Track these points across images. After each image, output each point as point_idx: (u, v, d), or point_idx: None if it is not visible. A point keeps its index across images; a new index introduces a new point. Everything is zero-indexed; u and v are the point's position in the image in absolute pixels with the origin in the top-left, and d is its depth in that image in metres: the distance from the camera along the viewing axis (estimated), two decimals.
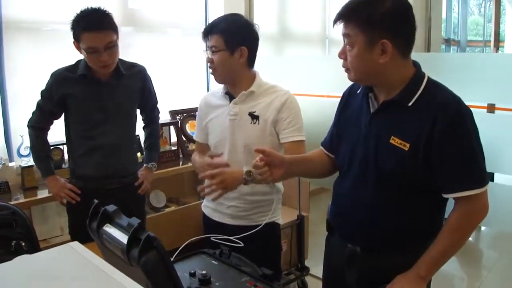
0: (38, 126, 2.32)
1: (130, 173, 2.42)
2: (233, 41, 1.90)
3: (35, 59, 2.96)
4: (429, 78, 1.46)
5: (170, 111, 3.66)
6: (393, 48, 1.37)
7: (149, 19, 3.65)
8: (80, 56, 2.21)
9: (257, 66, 2.04)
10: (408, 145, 1.40)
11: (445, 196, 1.44)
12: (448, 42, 8.17)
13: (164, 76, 3.42)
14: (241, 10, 3.49)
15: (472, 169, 1.40)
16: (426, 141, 1.37)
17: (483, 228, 4.53)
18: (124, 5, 3.47)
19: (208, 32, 1.92)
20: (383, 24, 1.36)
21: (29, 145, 2.83)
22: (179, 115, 3.71)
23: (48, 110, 2.28)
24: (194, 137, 2.22)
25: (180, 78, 3.67)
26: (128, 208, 2.19)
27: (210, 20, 2.31)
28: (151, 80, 2.47)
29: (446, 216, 1.52)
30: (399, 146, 1.42)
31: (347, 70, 1.48)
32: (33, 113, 2.32)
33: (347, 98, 1.67)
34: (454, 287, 3.61)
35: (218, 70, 1.94)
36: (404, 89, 1.43)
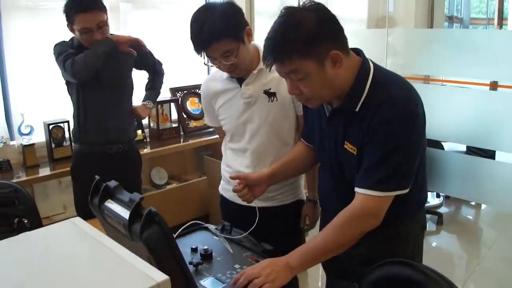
0: (72, 58, 2.30)
1: (128, 139, 2.60)
2: (239, 32, 1.70)
3: (34, 38, 2.94)
4: (375, 72, 1.39)
5: (171, 88, 3.65)
6: (341, 52, 1.31)
7: None
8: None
9: None
10: (355, 149, 1.39)
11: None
12: (451, 19, 8.08)
13: (164, 54, 3.39)
14: None
15: (377, 171, 1.33)
16: (361, 142, 1.37)
17: (483, 206, 4.56)
18: None
19: (208, 44, 1.66)
20: (321, 36, 1.28)
21: (30, 123, 2.85)
22: (180, 92, 3.69)
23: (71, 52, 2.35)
24: (208, 123, 2.12)
25: (180, 55, 3.64)
26: (126, 172, 2.44)
27: None
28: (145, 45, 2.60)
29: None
30: (350, 151, 1.40)
31: (306, 101, 1.43)
32: (63, 58, 2.32)
33: None
34: (453, 265, 3.63)
35: (241, 66, 1.76)
36: (349, 93, 1.38)
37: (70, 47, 2.35)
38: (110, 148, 2.48)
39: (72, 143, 2.61)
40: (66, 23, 2.28)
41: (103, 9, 2.29)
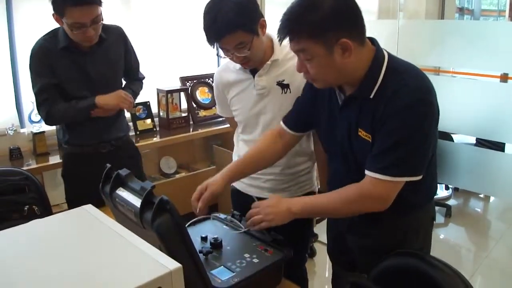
0: (49, 105, 2.14)
1: (121, 136, 2.37)
2: (253, 24, 1.67)
3: (45, 25, 2.93)
4: (389, 61, 1.39)
5: (181, 77, 3.64)
6: (352, 42, 1.30)
7: None
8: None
9: None
10: (370, 136, 1.39)
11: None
12: (461, 11, 8.02)
13: (174, 42, 3.39)
14: None
15: (389, 155, 1.34)
16: (375, 129, 1.37)
17: (491, 198, 4.55)
18: None
19: (222, 36, 1.64)
20: (334, 24, 1.29)
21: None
22: (190, 82, 3.69)
23: (49, 84, 2.11)
24: (221, 113, 2.09)
25: (190, 44, 3.64)
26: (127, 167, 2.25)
27: None
28: (129, 39, 2.37)
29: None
30: (365, 138, 1.40)
31: (312, 80, 1.43)
32: (37, 103, 2.16)
33: (314, 88, 1.56)
34: (461, 258, 3.63)
35: (254, 58, 1.74)
36: (364, 81, 1.38)
37: (54, 46, 2.07)
38: (103, 147, 2.27)
39: (62, 145, 2.34)
40: (52, 12, 1.97)
41: (100, 1, 1.99)
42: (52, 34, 2.12)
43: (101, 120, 2.21)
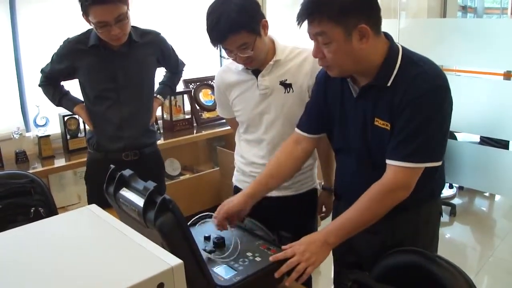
0: (47, 82, 2.35)
1: (147, 144, 2.38)
2: (255, 25, 1.69)
3: (49, 29, 2.97)
4: (404, 52, 1.42)
5: (184, 80, 3.66)
6: (370, 30, 1.33)
7: None
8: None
9: None
10: (389, 124, 1.40)
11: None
12: (464, 9, 7.99)
13: (176, 45, 3.39)
14: None
15: (410, 142, 1.36)
16: (393, 116, 1.38)
17: (496, 197, 4.54)
18: None
19: (225, 37, 1.65)
20: (355, 9, 1.31)
21: (45, 115, 2.90)
22: (193, 84, 3.72)
23: (55, 71, 2.29)
24: (221, 114, 2.12)
25: (193, 47, 3.66)
26: (147, 179, 2.25)
27: None
28: (167, 42, 2.42)
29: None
30: (383, 127, 1.42)
31: (327, 67, 1.44)
32: (42, 70, 2.33)
33: (326, 82, 1.60)
34: (466, 256, 3.63)
35: (257, 58, 1.75)
36: (380, 70, 1.40)
37: (84, 45, 2.16)
38: (127, 155, 2.29)
39: (88, 149, 2.43)
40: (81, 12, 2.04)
41: (123, 0, 2.02)
42: (86, 32, 2.20)
43: (127, 127, 2.27)
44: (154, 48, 2.34)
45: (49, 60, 2.29)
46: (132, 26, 2.17)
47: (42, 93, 2.39)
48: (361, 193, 1.44)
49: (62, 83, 2.39)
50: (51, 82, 2.34)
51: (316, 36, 1.37)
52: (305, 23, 1.38)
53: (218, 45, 1.70)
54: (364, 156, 1.51)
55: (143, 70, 2.30)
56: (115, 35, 2.05)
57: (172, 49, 2.49)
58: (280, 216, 1.78)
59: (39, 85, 2.37)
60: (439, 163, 1.40)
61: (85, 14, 2.03)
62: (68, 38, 2.22)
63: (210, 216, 1.64)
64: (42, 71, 2.33)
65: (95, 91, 2.24)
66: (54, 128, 2.98)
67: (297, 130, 1.71)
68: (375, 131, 1.44)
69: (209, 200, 3.32)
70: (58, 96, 2.36)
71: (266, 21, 1.74)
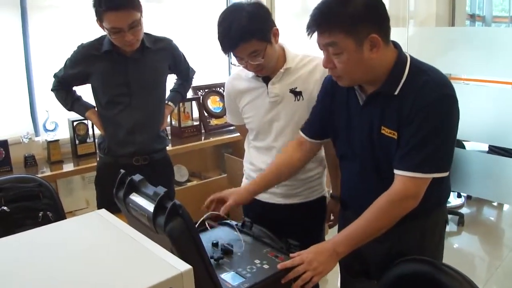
0: (60, 86, 2.38)
1: (157, 150, 2.40)
2: (266, 33, 1.70)
3: (59, 35, 2.99)
4: (412, 61, 1.42)
5: (192, 87, 3.66)
6: (381, 39, 1.33)
7: None
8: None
9: None
10: (396, 133, 1.40)
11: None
12: (473, 17, 7.97)
13: (185, 52, 3.42)
14: None
15: (418, 152, 1.35)
16: (401, 125, 1.38)
17: (505, 207, 4.50)
18: None
19: (236, 45, 1.67)
20: (366, 19, 1.32)
21: (55, 120, 2.91)
22: (201, 91, 3.73)
23: (69, 76, 2.31)
24: (231, 121, 2.13)
25: (202, 54, 3.67)
26: (157, 184, 2.27)
27: None
28: (178, 49, 2.46)
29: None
30: (390, 136, 1.41)
31: (337, 77, 1.44)
32: (55, 75, 2.37)
33: (332, 88, 1.60)
34: (474, 266, 3.59)
35: (267, 66, 1.76)
36: (388, 78, 1.40)
37: (97, 51, 2.21)
38: (137, 160, 2.32)
39: (98, 153, 2.47)
40: (95, 18, 2.09)
41: (137, 7, 2.06)
42: (99, 38, 2.25)
43: (139, 132, 2.30)
44: (166, 55, 2.38)
45: (59, 65, 2.32)
46: (145, 33, 2.21)
47: (54, 97, 2.42)
48: (366, 200, 1.44)
49: (74, 88, 2.41)
50: (63, 87, 2.37)
51: (327, 47, 1.37)
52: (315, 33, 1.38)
53: (229, 53, 1.72)
54: (368, 162, 1.51)
55: (155, 76, 2.34)
56: (128, 41, 2.09)
57: (184, 56, 2.52)
58: (288, 223, 1.78)
59: (52, 90, 2.40)
60: (446, 174, 1.40)
61: (100, 20, 2.07)
62: (82, 44, 2.26)
63: (215, 216, 1.66)
64: (55, 76, 2.36)
65: (107, 96, 2.27)
66: (63, 133, 3.00)
67: (300, 133, 1.74)
68: (381, 139, 1.44)
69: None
70: (70, 101, 2.39)
71: (277, 29, 1.75)
